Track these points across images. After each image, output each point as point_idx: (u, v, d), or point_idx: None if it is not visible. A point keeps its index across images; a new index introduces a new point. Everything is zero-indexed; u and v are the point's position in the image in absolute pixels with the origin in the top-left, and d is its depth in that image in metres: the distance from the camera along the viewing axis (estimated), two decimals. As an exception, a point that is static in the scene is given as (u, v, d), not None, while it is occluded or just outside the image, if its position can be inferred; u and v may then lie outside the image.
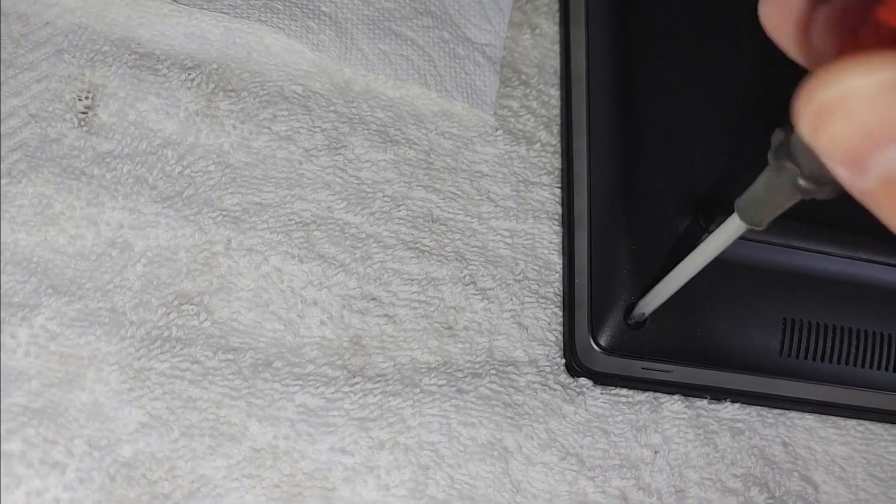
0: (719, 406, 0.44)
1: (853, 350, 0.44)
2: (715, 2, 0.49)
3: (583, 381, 0.43)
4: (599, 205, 0.44)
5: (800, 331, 0.43)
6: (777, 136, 0.26)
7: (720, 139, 0.45)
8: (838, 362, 0.43)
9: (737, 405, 0.44)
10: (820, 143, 0.18)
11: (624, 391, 0.43)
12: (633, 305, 0.41)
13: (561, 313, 0.44)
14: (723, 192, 0.44)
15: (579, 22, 0.50)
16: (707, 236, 0.35)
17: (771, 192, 0.28)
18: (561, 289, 0.45)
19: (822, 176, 0.25)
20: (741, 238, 0.43)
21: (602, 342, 0.41)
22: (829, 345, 0.43)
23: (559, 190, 0.47)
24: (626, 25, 0.48)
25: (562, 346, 0.43)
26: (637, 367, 0.43)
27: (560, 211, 0.46)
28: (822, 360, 0.43)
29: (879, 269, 0.45)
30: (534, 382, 0.41)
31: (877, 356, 0.44)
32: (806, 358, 0.43)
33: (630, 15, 0.48)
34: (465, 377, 0.40)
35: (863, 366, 0.44)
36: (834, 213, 0.44)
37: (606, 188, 0.44)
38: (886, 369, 0.44)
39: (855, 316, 0.44)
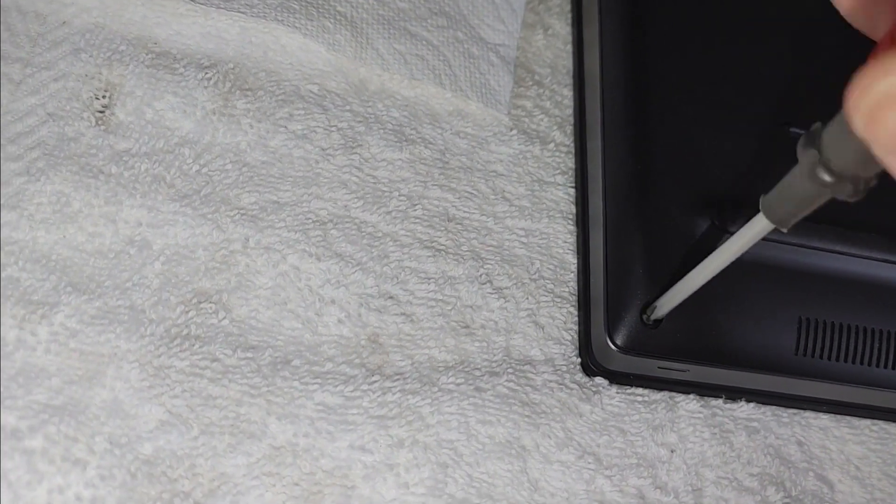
0: (735, 405, 0.44)
1: (868, 349, 0.44)
2: (730, 2, 0.49)
3: (599, 380, 0.43)
4: (614, 204, 0.44)
5: (815, 330, 0.43)
6: (806, 137, 0.26)
7: (735, 139, 0.45)
8: (853, 362, 0.43)
9: (752, 404, 0.44)
10: (875, 135, 0.18)
11: (640, 390, 0.43)
12: (648, 304, 0.41)
13: (576, 312, 0.44)
14: (737, 191, 0.44)
15: (592, 22, 0.50)
16: (728, 236, 0.35)
17: (795, 186, 0.28)
18: (576, 288, 0.45)
19: (853, 176, 0.25)
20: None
21: (618, 341, 0.41)
22: (843, 344, 0.43)
23: (573, 189, 0.47)
24: (639, 25, 0.48)
25: (577, 345, 0.43)
26: (653, 367, 0.43)
27: (574, 210, 0.47)
28: (837, 359, 0.43)
29: (894, 268, 0.45)
30: (550, 381, 0.41)
31: (892, 356, 0.44)
32: (821, 357, 0.43)
33: (643, 14, 0.48)
34: (482, 375, 0.40)
35: (878, 365, 0.44)
36: (849, 214, 0.45)
37: (621, 187, 0.44)
38: (901, 369, 0.44)
39: (870, 315, 0.44)
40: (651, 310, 0.41)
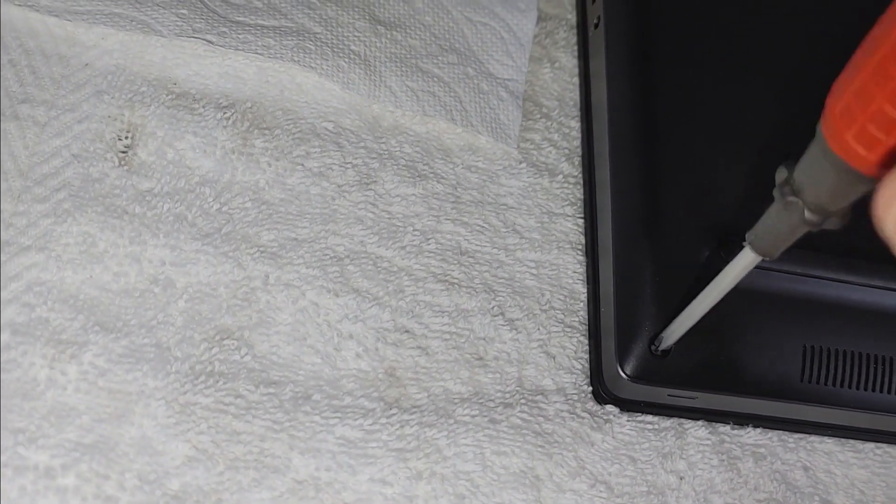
0: (742, 431, 0.45)
1: (871, 376, 0.45)
2: (736, 33, 0.50)
3: (609, 408, 0.44)
4: (622, 234, 0.45)
5: (819, 357, 0.44)
6: (780, 173, 0.28)
7: (742, 170, 0.46)
8: (857, 388, 0.45)
9: (759, 430, 0.46)
10: None
11: (650, 418, 0.44)
12: (657, 334, 0.42)
13: (586, 342, 0.45)
14: (744, 222, 0.45)
15: (599, 54, 0.51)
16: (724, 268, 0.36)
17: (779, 225, 0.29)
18: (585, 318, 0.46)
19: (827, 209, 0.26)
20: (762, 268, 0.44)
21: (628, 370, 0.43)
22: (847, 371, 0.44)
23: (582, 220, 0.48)
24: (645, 57, 0.49)
25: (588, 374, 0.44)
26: (663, 394, 0.44)
27: (583, 241, 0.48)
28: (842, 385, 0.44)
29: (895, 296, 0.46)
30: (562, 411, 0.42)
31: (894, 381, 0.45)
32: (826, 384, 0.44)
33: (650, 46, 0.49)
34: (496, 407, 0.41)
35: (881, 391, 0.45)
36: (851, 243, 0.46)
37: (629, 218, 0.45)
38: (904, 394, 0.45)
39: (873, 342, 0.45)
40: (659, 340, 0.42)
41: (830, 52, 0.50)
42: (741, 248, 0.44)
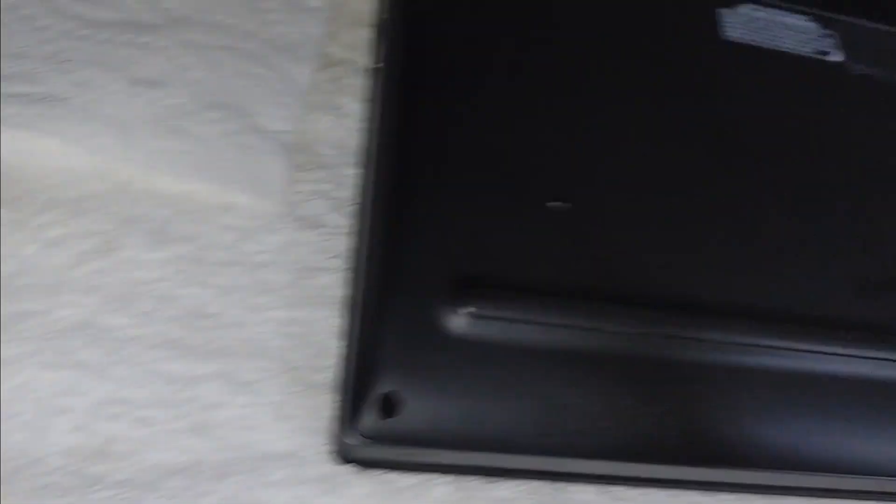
0: (491, 485, 0.45)
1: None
2: (497, 82, 0.50)
3: (348, 468, 0.44)
4: (366, 287, 0.45)
5: (557, 411, 0.44)
6: None
7: (494, 220, 0.46)
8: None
9: (514, 482, 0.45)
10: None
11: (393, 476, 0.44)
12: (392, 391, 0.42)
13: (331, 401, 0.45)
14: (485, 274, 0.45)
15: (375, 98, 0.51)
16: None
17: None
18: (335, 375, 0.46)
19: None
20: (490, 318, 0.44)
21: (362, 430, 0.42)
22: (586, 419, 0.44)
23: (345, 273, 0.48)
24: (410, 102, 0.49)
25: (329, 434, 0.44)
26: (401, 453, 0.44)
27: (344, 295, 0.48)
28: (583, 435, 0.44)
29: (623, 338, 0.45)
30: (289, 476, 0.42)
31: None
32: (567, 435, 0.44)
33: (416, 92, 0.49)
34: (210, 479, 0.41)
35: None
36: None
37: (376, 272, 0.45)
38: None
39: (606, 389, 0.45)
40: (394, 396, 0.42)
41: (599, 99, 0.49)
42: (479, 299, 0.44)
